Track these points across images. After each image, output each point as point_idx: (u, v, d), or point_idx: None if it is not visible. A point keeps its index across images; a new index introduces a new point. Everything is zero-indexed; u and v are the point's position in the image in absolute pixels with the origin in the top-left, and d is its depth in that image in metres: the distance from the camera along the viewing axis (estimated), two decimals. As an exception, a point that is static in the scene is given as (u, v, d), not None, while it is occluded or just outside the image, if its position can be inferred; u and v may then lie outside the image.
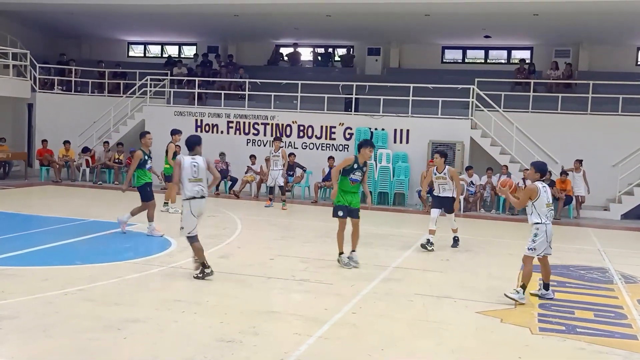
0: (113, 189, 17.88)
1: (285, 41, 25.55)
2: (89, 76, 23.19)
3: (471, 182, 17.26)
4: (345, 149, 18.69)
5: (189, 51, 26.95)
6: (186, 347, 5.85)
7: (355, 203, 9.47)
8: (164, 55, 27.06)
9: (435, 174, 11.33)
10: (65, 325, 6.30)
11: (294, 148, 19.00)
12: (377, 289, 8.33)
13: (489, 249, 11.88)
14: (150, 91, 21.26)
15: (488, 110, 18.26)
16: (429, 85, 18.86)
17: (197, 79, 21.36)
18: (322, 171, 18.11)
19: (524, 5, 17.64)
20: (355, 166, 9.33)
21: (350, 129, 18.88)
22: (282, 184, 15.94)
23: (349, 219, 9.45)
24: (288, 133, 19.36)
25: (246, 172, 18.50)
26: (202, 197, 8.39)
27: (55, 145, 20.18)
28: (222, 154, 18.47)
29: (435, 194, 11.47)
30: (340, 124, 19.00)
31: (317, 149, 19.09)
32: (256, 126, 19.65)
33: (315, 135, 19.06)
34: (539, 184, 7.93)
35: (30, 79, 21.09)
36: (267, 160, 18.39)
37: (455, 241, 11.55)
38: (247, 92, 20.23)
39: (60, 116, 21.10)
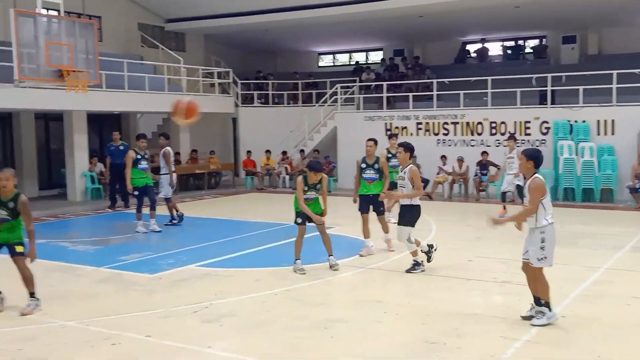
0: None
1: (472, 37, 24.98)
2: (284, 88, 24.58)
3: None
4: (543, 144, 17.74)
5: (376, 56, 27.43)
6: (390, 348, 5.95)
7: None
8: (352, 63, 27.82)
9: None
10: (276, 323, 6.73)
11: (486, 146, 18.45)
12: (587, 291, 7.80)
13: None
14: (341, 98, 21.96)
15: None
16: (636, 71, 17.26)
17: (384, 83, 21.66)
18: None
19: None
20: (306, 188, 8.88)
21: (547, 122, 17.88)
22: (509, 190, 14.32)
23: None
24: (479, 131, 18.86)
25: (438, 173, 18.34)
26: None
27: (257, 155, 21.66)
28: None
29: None
30: (535, 118, 18.08)
31: (511, 145, 18.32)
32: (446, 126, 19.41)
33: (509, 132, 18.34)
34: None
35: (233, 95, 22.85)
36: (460, 160, 18.10)
37: None
38: (435, 92, 20.08)
39: (260, 128, 22.59)
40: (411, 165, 8.87)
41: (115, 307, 7.40)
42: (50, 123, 19.62)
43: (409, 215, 8.82)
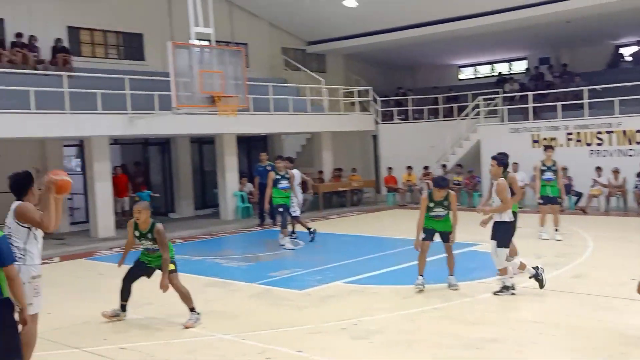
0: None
1: (626, 40, 23.35)
2: (424, 103, 24.37)
3: None
4: None
5: (519, 66, 26.44)
6: (549, 371, 5.64)
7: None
8: (494, 74, 27.02)
9: None
10: (427, 342, 6.62)
11: (648, 155, 17.10)
12: None
13: None
14: (484, 111, 21.38)
15: None
16: None
17: (529, 93, 20.80)
18: (685, 179, 15.90)
19: None
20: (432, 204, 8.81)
21: None
22: None
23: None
24: (638, 140, 17.50)
25: (592, 186, 17.24)
26: None
27: (398, 171, 21.61)
28: (564, 169, 17.52)
29: None
30: (703, 123, 16.50)
31: (676, 154, 16.86)
32: (599, 135, 18.22)
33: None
34: None
35: (373, 112, 23.03)
36: (616, 172, 16.90)
37: None
38: (585, 101, 18.94)
39: (400, 144, 22.53)
40: (502, 178, 8.45)
41: (267, 322, 7.66)
42: (204, 146, 20.89)
43: (499, 233, 8.39)
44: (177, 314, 7.79)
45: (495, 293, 8.40)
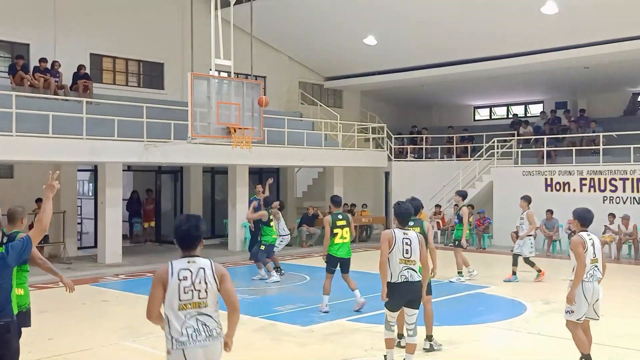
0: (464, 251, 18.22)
1: (644, 88, 23.39)
2: (438, 142, 24.41)
3: None
4: None
5: (535, 109, 26.48)
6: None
7: None
8: (510, 116, 27.07)
9: None
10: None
11: (665, 204, 16.95)
12: None
13: None
14: (497, 152, 21.37)
15: None
16: None
17: (544, 137, 20.77)
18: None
19: None
20: None
21: None
22: None
23: None
24: (652, 187, 17.39)
25: (604, 233, 17.07)
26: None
27: (409, 209, 21.52)
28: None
29: None
30: None
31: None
32: (613, 182, 18.11)
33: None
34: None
35: (387, 149, 23.09)
36: (625, 219, 16.72)
37: None
38: (601, 147, 18.89)
39: (413, 182, 22.50)
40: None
41: (268, 357, 7.60)
42: (216, 176, 21.01)
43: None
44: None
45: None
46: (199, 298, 4.37)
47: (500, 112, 28.21)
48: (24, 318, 5.82)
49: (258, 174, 21.38)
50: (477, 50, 20.45)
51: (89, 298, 11.57)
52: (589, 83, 22.61)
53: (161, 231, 20.13)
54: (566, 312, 6.80)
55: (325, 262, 10.03)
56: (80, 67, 17.34)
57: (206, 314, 4.40)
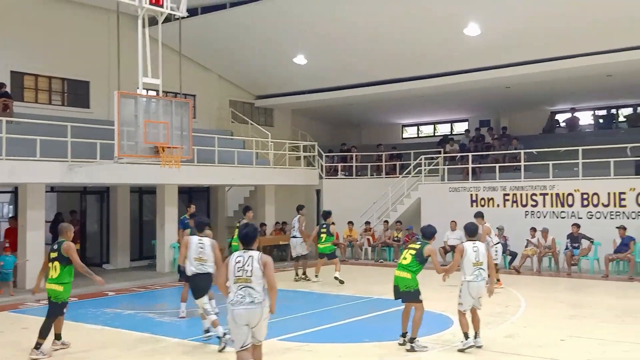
0: (393, 266, 18.48)
1: (561, 107, 24.51)
2: (368, 160, 24.80)
3: None
4: (639, 217, 16.88)
5: (461, 127, 27.32)
6: None
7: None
8: (437, 134, 27.81)
9: None
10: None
11: (578, 218, 17.75)
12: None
13: None
14: (425, 170, 21.90)
15: None
16: None
17: (470, 154, 21.46)
18: (613, 242, 16.56)
19: None
20: None
21: (644, 193, 17.07)
22: None
23: None
24: (570, 202, 18.20)
25: (526, 246, 17.73)
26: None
27: (340, 226, 21.70)
28: (499, 228, 17.99)
29: None
30: (631, 189, 17.28)
31: (605, 218, 17.56)
32: (534, 197, 18.87)
33: (602, 203, 17.60)
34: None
35: (318, 167, 23.27)
36: (545, 232, 17.41)
37: None
38: (522, 163, 19.67)
39: (343, 199, 22.74)
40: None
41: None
42: (144, 196, 20.59)
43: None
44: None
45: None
46: (247, 275, 6.32)
47: (427, 130, 28.95)
48: None
49: (188, 194, 21.09)
50: (403, 70, 20.99)
51: (7, 326, 11.07)
52: (510, 102, 23.53)
53: (86, 253, 19.47)
54: (458, 304, 8.66)
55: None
56: (1, 85, 16.72)
57: (250, 287, 6.29)
